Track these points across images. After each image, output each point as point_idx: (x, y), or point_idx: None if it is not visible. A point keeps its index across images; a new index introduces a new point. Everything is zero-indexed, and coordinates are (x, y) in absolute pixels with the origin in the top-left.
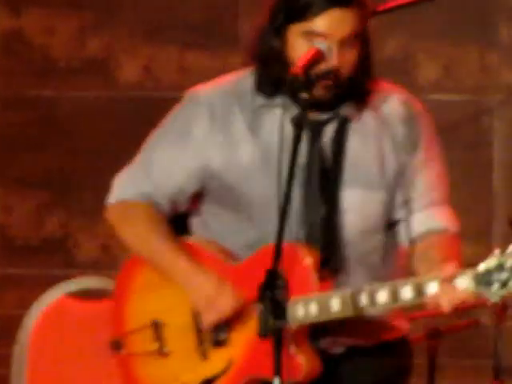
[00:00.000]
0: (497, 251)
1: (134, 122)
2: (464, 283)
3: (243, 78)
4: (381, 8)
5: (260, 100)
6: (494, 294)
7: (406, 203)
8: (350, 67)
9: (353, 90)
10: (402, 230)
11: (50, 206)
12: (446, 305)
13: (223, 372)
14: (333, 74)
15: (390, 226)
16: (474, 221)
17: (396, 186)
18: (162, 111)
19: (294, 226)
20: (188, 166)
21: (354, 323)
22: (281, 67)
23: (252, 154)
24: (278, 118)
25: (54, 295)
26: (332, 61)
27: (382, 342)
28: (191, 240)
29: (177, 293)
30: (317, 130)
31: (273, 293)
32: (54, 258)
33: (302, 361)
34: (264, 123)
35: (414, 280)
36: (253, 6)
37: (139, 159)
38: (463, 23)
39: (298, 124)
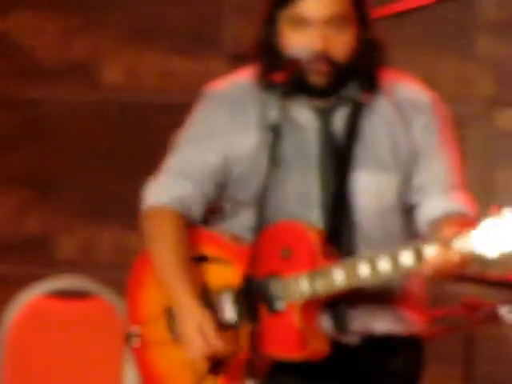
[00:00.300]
0: (494, 211)
1: (118, 124)
2: (462, 244)
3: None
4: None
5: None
6: (491, 252)
7: (424, 188)
8: (342, 50)
9: (358, 74)
10: (420, 215)
11: (31, 205)
12: (442, 266)
13: (233, 354)
14: (322, 57)
15: (408, 211)
16: None
17: (410, 169)
18: (144, 114)
19: (313, 210)
20: (215, 159)
21: (379, 312)
22: (275, 57)
23: (259, 142)
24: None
25: (32, 294)
26: (317, 45)
27: (402, 336)
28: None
29: None
30: (325, 116)
31: (249, 298)
32: (33, 257)
33: (307, 338)
34: (271, 113)
35: (413, 245)
36: (236, 11)
37: (168, 165)
38: (441, 35)
39: (276, 131)
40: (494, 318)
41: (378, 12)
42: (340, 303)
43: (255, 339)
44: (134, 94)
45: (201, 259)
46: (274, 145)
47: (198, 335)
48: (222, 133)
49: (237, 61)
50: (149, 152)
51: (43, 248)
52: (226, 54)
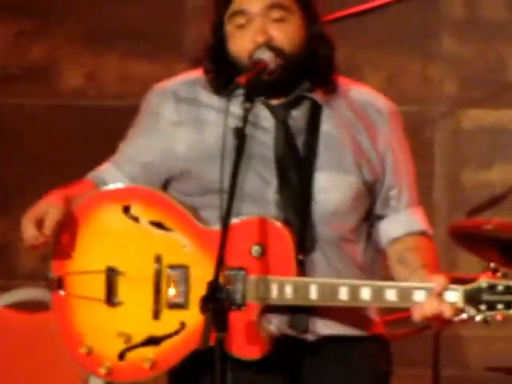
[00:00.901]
0: (490, 272)
1: (77, 129)
2: (453, 297)
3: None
4: (329, 17)
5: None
6: (480, 313)
7: (386, 201)
8: (285, 39)
9: (311, 72)
10: (381, 230)
11: None
12: (428, 314)
13: (173, 334)
14: (265, 46)
15: (372, 219)
16: None
17: (373, 174)
18: (104, 119)
19: (269, 210)
20: (155, 150)
21: (335, 312)
22: (225, 63)
23: (217, 140)
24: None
25: None
26: (258, 37)
27: (360, 335)
28: (169, 197)
29: (137, 243)
30: (281, 115)
31: (216, 304)
32: None
33: (265, 339)
34: (230, 109)
35: (402, 284)
36: (197, 14)
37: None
38: (406, 35)
39: (239, 135)
40: (460, 319)
41: (340, 11)
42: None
43: (207, 333)
44: (93, 99)
45: (154, 225)
46: (238, 150)
47: (30, 222)
48: (163, 125)
49: (198, 64)
50: (110, 157)
51: (3, 260)
52: (188, 57)
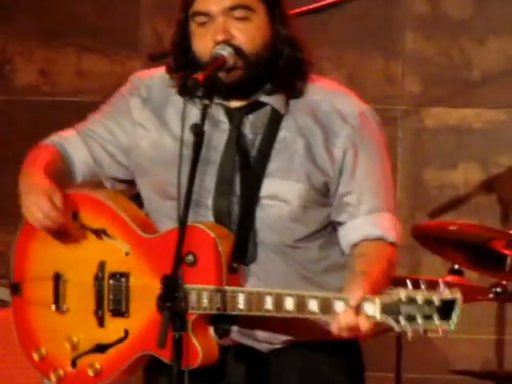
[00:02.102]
0: (409, 284)
1: (31, 125)
2: (370, 310)
3: None
4: (292, 12)
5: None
6: (399, 325)
7: (346, 207)
8: (246, 39)
9: (276, 76)
10: (341, 236)
11: None
12: (344, 326)
13: (118, 341)
14: (227, 44)
15: (333, 226)
16: None
17: (327, 181)
18: (59, 115)
19: (208, 212)
20: (119, 140)
21: (288, 320)
22: (188, 62)
23: (176, 139)
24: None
25: None
26: (218, 35)
27: (318, 341)
28: (113, 205)
29: (83, 249)
30: (237, 118)
31: (173, 304)
32: None
33: (199, 349)
34: (190, 111)
35: (322, 295)
36: (154, 10)
37: (81, 123)
38: (368, 31)
39: (197, 133)
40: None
41: (300, 7)
42: (246, 318)
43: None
44: (47, 95)
45: (98, 232)
46: (196, 148)
47: (37, 203)
48: (130, 120)
49: (154, 61)
50: None
51: None
52: (143, 54)
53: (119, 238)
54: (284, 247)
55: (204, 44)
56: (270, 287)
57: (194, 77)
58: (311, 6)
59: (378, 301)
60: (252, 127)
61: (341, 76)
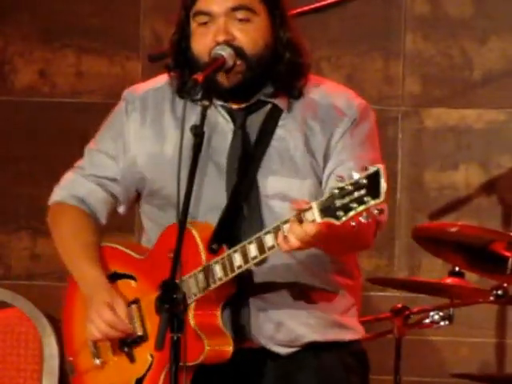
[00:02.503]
0: (339, 177)
1: (31, 126)
2: (311, 216)
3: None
4: (291, 12)
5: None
6: (339, 219)
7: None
8: (247, 40)
9: (276, 76)
10: None
11: None
12: (293, 241)
13: (149, 368)
14: (227, 45)
15: None
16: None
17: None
18: (58, 116)
19: (217, 212)
20: (121, 163)
21: (302, 316)
22: (187, 62)
23: (176, 147)
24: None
25: None
26: (219, 36)
27: (334, 342)
28: (110, 244)
29: None
30: (240, 119)
31: (171, 305)
32: None
33: (203, 338)
34: (190, 118)
35: (273, 226)
36: (154, 12)
37: (78, 163)
38: (367, 31)
39: (197, 134)
40: (423, 323)
41: (300, 7)
42: (263, 312)
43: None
44: (46, 96)
45: (112, 277)
46: (196, 149)
47: (101, 316)
48: (128, 136)
49: (154, 62)
50: (63, 154)
51: None
52: (143, 54)
53: (127, 271)
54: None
55: (204, 44)
56: (278, 282)
57: (193, 77)
58: (311, 6)
59: (314, 204)
60: (252, 127)
61: (340, 76)
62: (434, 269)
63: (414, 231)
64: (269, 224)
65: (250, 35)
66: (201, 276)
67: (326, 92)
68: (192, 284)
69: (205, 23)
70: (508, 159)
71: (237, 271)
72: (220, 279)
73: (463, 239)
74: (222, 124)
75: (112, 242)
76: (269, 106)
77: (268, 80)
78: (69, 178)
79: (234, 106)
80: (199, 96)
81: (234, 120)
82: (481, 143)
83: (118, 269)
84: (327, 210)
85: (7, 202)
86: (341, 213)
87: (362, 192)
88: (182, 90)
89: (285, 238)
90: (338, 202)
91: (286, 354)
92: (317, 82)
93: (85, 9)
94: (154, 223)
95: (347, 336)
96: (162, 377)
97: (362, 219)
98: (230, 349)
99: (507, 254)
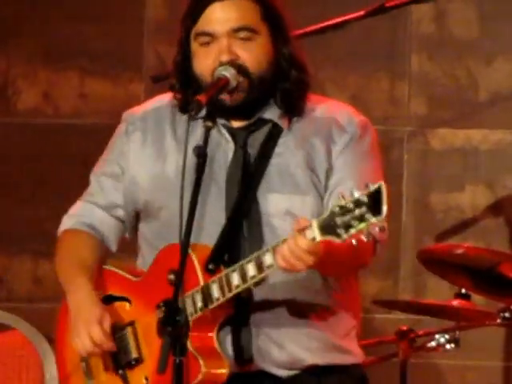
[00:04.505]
0: (340, 195)
1: (34, 148)
2: (310, 234)
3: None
4: (295, 33)
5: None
6: (340, 237)
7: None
8: (250, 59)
9: (278, 93)
10: None
11: None
12: (292, 260)
13: None
14: (229, 64)
15: None
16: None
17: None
18: (61, 137)
19: (216, 232)
20: (124, 185)
21: (303, 339)
22: (189, 82)
23: (178, 167)
24: (201, 132)
25: None
26: (223, 56)
27: (333, 366)
28: (106, 267)
29: None
30: (242, 137)
31: (173, 328)
32: None
33: (200, 360)
34: (191, 136)
35: (254, 255)
36: (157, 34)
37: (86, 191)
38: (373, 52)
39: (200, 154)
40: (429, 346)
41: (304, 28)
42: (264, 334)
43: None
44: (50, 118)
45: (108, 299)
46: (199, 170)
47: (90, 332)
48: (130, 156)
49: (157, 83)
50: (66, 177)
51: None
52: (146, 76)
53: (122, 293)
54: None
55: (207, 64)
56: (275, 299)
57: (196, 99)
58: (315, 27)
59: (314, 222)
60: (256, 145)
61: (345, 97)
62: (439, 291)
63: (420, 253)
64: (270, 243)
65: (254, 54)
66: (198, 296)
67: (327, 109)
68: (188, 304)
69: (207, 43)
70: None
71: (234, 291)
72: (217, 299)
73: (469, 261)
74: (222, 143)
75: (109, 265)
76: (269, 125)
77: (270, 98)
78: (78, 206)
79: (236, 125)
80: (203, 114)
81: (234, 139)
82: (487, 164)
83: (114, 291)
84: (327, 227)
85: (9, 224)
86: (342, 230)
87: (363, 209)
88: (186, 109)
89: (283, 256)
90: (339, 220)
91: (287, 377)
92: (318, 100)
93: (88, 31)
94: (151, 245)
95: (348, 360)
96: None
97: (363, 237)
98: (225, 371)
99: None
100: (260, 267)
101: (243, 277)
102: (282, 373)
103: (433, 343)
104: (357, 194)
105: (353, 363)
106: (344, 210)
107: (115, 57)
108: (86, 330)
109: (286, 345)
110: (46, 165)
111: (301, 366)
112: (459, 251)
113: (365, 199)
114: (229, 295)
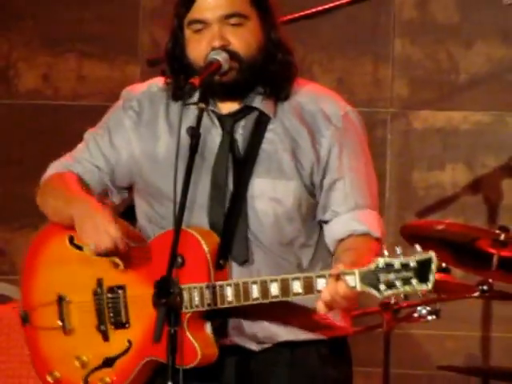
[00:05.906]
0: (386, 252)
1: (34, 128)
2: (352, 281)
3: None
4: (284, 19)
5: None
6: (380, 293)
7: (329, 206)
8: (241, 44)
9: (266, 79)
10: (326, 233)
11: None
12: (326, 295)
13: (123, 352)
14: (222, 50)
15: (319, 225)
16: None
17: (314, 178)
18: (60, 118)
19: (201, 214)
20: (117, 153)
21: (279, 316)
22: (182, 67)
23: (168, 149)
24: (193, 118)
25: None
26: (214, 41)
27: (310, 340)
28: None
29: (81, 269)
30: (229, 123)
31: (168, 299)
32: None
33: (196, 346)
34: (185, 120)
35: (305, 275)
36: (152, 18)
37: (72, 153)
38: (357, 36)
39: (193, 135)
40: (411, 317)
41: (292, 14)
42: (241, 311)
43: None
44: (49, 100)
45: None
46: (192, 150)
47: (104, 228)
48: (125, 132)
49: (152, 66)
50: (64, 154)
51: None
52: (142, 59)
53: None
54: (280, 246)
55: (200, 50)
56: (253, 276)
57: (190, 81)
58: (302, 13)
59: (356, 271)
60: (243, 132)
61: (331, 80)
62: None
63: (402, 229)
64: (253, 224)
65: (244, 39)
66: (207, 292)
67: (313, 95)
68: (196, 296)
69: (199, 30)
70: (493, 159)
71: (251, 302)
72: (230, 303)
73: (449, 236)
74: (211, 129)
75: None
76: (256, 113)
77: (259, 85)
78: (64, 158)
79: (224, 111)
80: (195, 100)
81: (222, 125)
82: (466, 144)
83: None
84: (369, 279)
85: (11, 201)
86: (383, 287)
87: (410, 274)
88: (178, 94)
89: (322, 298)
90: (383, 276)
91: (260, 350)
92: (304, 85)
93: (86, 16)
94: (147, 219)
95: (327, 334)
96: (140, 366)
97: (401, 297)
98: (215, 353)
99: (492, 250)
100: (286, 291)
101: (264, 293)
102: (256, 347)
103: (415, 314)
104: (405, 260)
105: (331, 336)
106: (390, 269)
107: (112, 40)
108: (103, 227)
109: (261, 321)
110: (45, 143)
111: (276, 342)
112: (440, 227)
113: (414, 264)
114: (244, 303)
